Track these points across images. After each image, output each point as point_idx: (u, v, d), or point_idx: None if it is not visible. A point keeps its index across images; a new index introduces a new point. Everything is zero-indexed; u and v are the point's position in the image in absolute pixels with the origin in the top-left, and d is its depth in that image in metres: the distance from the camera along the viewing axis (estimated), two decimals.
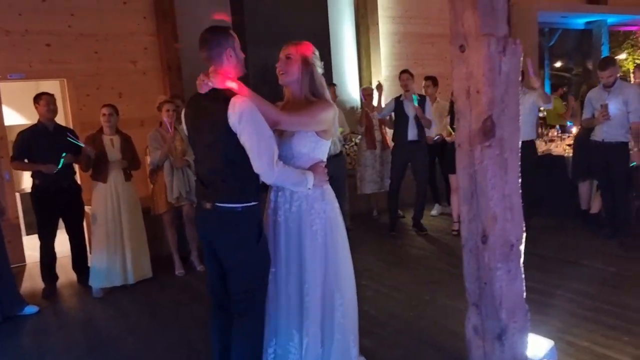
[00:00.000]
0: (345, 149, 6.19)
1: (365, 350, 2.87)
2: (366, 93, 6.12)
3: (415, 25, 7.41)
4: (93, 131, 4.46)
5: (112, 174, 4.37)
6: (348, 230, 4.99)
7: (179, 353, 3.18)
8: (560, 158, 5.64)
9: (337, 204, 2.41)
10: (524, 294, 2.36)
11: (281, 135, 2.30)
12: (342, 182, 4.91)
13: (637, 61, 10.68)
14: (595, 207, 5.10)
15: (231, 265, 2.22)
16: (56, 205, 4.36)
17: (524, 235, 2.33)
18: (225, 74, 2.14)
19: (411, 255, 4.91)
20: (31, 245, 5.23)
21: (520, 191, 2.31)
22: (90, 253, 4.53)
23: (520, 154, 2.29)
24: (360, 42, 7.19)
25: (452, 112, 4.98)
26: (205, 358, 3.01)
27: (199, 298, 4.03)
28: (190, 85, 2.71)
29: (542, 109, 7.37)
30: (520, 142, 2.28)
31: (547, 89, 10.62)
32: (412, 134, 5.31)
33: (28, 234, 5.98)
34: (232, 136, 2.06)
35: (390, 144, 5.82)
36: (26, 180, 6.42)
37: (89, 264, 4.49)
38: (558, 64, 11.70)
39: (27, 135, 4.29)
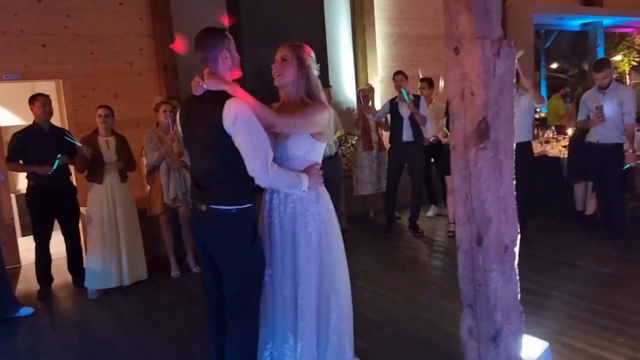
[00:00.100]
0: (342, 150, 6.20)
1: (361, 351, 2.87)
2: (363, 94, 6.13)
3: (411, 26, 7.43)
4: (89, 132, 4.45)
5: (108, 175, 4.36)
6: (344, 231, 4.99)
7: (174, 355, 3.17)
8: (556, 159, 5.66)
9: (332, 206, 2.41)
10: (519, 295, 2.36)
11: (276, 137, 2.30)
12: (337, 183, 4.92)
13: (632, 63, 10.74)
14: (591, 208, 5.12)
15: (225, 268, 2.21)
16: (51, 207, 4.35)
17: (519, 236, 2.33)
18: (221, 76, 2.14)
19: (407, 256, 4.92)
20: (26, 247, 5.22)
21: (516, 192, 2.31)
22: (86, 254, 4.52)
23: (515, 156, 2.29)
24: (357, 43, 7.20)
25: (448, 114, 5.00)
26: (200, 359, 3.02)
27: (194, 299, 4.02)
28: (186, 87, 2.71)
29: (538, 110, 7.40)
30: (514, 144, 2.29)
31: (543, 90, 10.67)
32: (407, 134, 5.33)
33: (23, 235, 5.97)
34: (227, 139, 2.05)
35: (387, 145, 5.83)
36: (22, 182, 6.40)
37: (85, 266, 4.48)
38: (554, 66, 11.74)
39: (22, 137, 4.28)
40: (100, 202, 4.34)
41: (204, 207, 2.18)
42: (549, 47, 11.24)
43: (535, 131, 6.38)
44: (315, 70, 2.35)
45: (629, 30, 10.97)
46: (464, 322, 2.45)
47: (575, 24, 10.14)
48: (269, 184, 2.18)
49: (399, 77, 5.37)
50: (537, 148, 5.89)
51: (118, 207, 4.39)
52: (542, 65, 10.92)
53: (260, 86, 4.83)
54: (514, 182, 2.27)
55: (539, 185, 5.36)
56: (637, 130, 5.02)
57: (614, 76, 4.80)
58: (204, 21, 5.33)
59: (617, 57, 10.72)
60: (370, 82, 7.04)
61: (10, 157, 4.27)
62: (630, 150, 4.47)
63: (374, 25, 7.11)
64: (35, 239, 4.40)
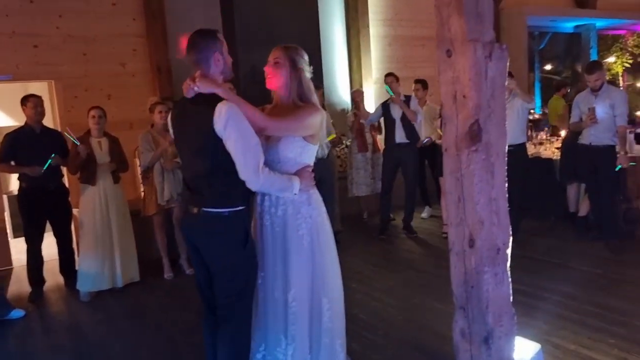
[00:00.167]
0: (336, 151, 6.20)
1: (354, 353, 2.87)
2: (356, 96, 6.15)
3: (406, 28, 7.44)
4: (81, 133, 4.42)
5: (101, 177, 4.33)
6: (338, 232, 4.98)
7: (166, 357, 3.16)
8: (549, 161, 5.68)
9: (324, 208, 2.40)
10: (511, 297, 2.37)
11: (267, 140, 2.28)
12: (330, 185, 4.91)
13: (625, 64, 10.82)
14: (584, 209, 5.14)
15: (217, 270, 2.20)
16: (43, 208, 4.32)
17: (511, 239, 2.34)
18: (212, 79, 2.13)
19: (401, 258, 4.92)
20: (18, 249, 5.18)
21: (511, 194, 2.32)
22: (78, 256, 4.49)
23: (509, 158, 2.30)
24: (351, 45, 7.20)
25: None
26: None
27: (187, 302, 4.00)
28: (180, 88, 2.69)
29: (532, 111, 7.43)
30: (507, 147, 2.29)
31: (537, 92, 10.72)
32: (399, 136, 5.35)
33: (15, 236, 5.92)
34: (218, 142, 2.04)
35: (381, 146, 5.84)
36: (14, 183, 6.36)
37: (77, 268, 4.45)
38: (548, 67, 11.79)
39: (14, 137, 4.26)
40: (93, 204, 4.32)
41: (195, 209, 2.17)
42: (543, 49, 11.29)
43: (529, 132, 6.40)
44: (307, 73, 2.35)
45: (621, 32, 11.04)
46: (457, 324, 2.45)
47: (568, 26, 10.20)
48: (260, 188, 2.17)
49: (389, 78, 5.40)
50: (530, 149, 5.91)
51: (111, 209, 4.36)
52: (536, 67, 10.97)
53: (253, 87, 4.81)
54: (507, 184, 2.28)
55: (533, 186, 5.38)
56: (629, 132, 5.05)
57: (607, 78, 4.82)
58: (198, 22, 5.34)
59: (611, 59, 10.79)
60: (364, 83, 7.04)
61: (2, 158, 4.24)
62: (622, 152, 4.49)
63: (368, 26, 7.11)
64: (27, 241, 4.37)
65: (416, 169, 5.53)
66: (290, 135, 2.27)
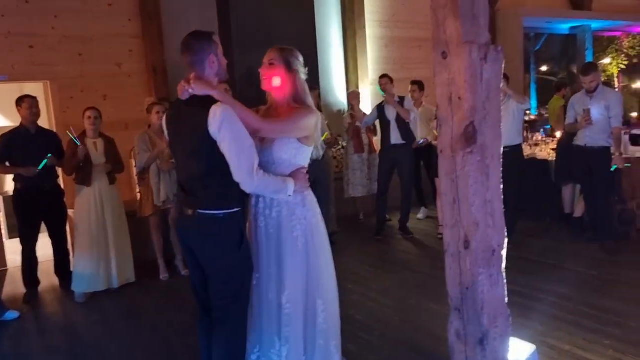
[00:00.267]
0: (333, 152, 6.21)
1: (351, 354, 2.87)
2: (352, 98, 6.16)
3: (402, 29, 7.44)
4: (76, 134, 4.40)
5: (96, 178, 4.32)
6: (334, 233, 4.97)
7: (161, 358, 3.15)
8: (545, 162, 5.70)
9: (318, 210, 2.40)
10: (506, 299, 2.37)
11: (262, 142, 2.28)
12: (325, 186, 4.91)
13: (621, 66, 10.86)
14: (579, 211, 5.16)
15: (212, 272, 2.20)
16: (38, 209, 4.31)
17: (506, 240, 2.34)
18: (207, 81, 2.13)
19: (397, 258, 4.93)
20: (13, 249, 5.16)
21: (506, 196, 2.32)
22: (73, 257, 4.48)
23: (505, 160, 2.31)
24: (348, 46, 7.21)
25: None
26: None
27: (183, 303, 3.99)
28: (176, 89, 2.69)
29: (528, 112, 7.44)
30: (502, 149, 2.30)
31: (533, 93, 10.75)
32: (395, 137, 5.36)
33: (10, 237, 5.89)
34: (213, 144, 2.04)
35: (377, 148, 5.85)
36: (9, 183, 6.33)
37: (72, 269, 4.44)
38: (544, 68, 11.83)
39: (9, 138, 4.24)
40: (89, 205, 4.30)
41: (190, 211, 2.16)
42: (539, 50, 11.33)
43: (525, 134, 6.42)
44: (303, 75, 2.35)
45: (617, 34, 11.08)
46: (452, 325, 2.45)
47: (564, 27, 10.23)
48: (254, 190, 2.16)
49: (383, 80, 5.42)
50: (526, 151, 5.93)
51: (106, 210, 4.35)
52: (532, 68, 11.00)
53: (250, 89, 4.81)
54: (502, 186, 2.28)
55: (529, 187, 5.39)
56: (624, 133, 5.07)
57: (602, 79, 4.84)
58: (194, 23, 5.33)
59: (606, 60, 10.83)
60: (361, 84, 7.05)
61: None
62: (617, 154, 4.51)
63: (364, 27, 7.11)
64: (22, 242, 4.36)
65: (412, 170, 5.54)
66: (284, 137, 2.27)
